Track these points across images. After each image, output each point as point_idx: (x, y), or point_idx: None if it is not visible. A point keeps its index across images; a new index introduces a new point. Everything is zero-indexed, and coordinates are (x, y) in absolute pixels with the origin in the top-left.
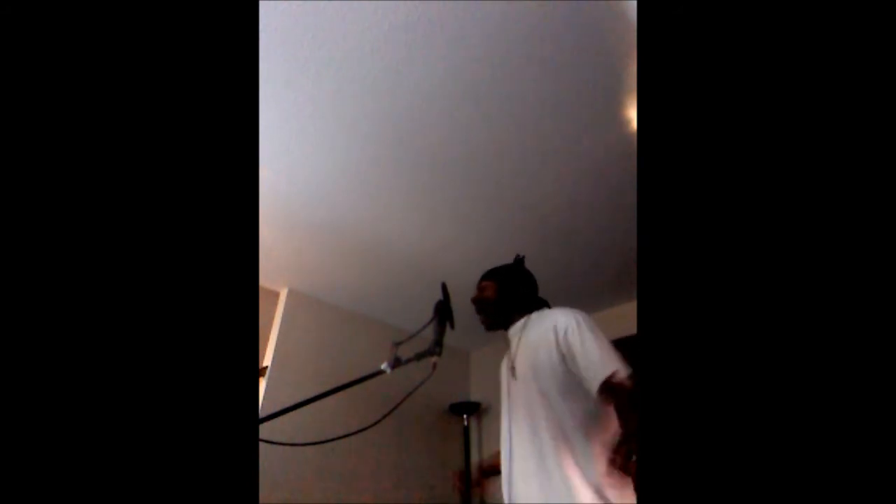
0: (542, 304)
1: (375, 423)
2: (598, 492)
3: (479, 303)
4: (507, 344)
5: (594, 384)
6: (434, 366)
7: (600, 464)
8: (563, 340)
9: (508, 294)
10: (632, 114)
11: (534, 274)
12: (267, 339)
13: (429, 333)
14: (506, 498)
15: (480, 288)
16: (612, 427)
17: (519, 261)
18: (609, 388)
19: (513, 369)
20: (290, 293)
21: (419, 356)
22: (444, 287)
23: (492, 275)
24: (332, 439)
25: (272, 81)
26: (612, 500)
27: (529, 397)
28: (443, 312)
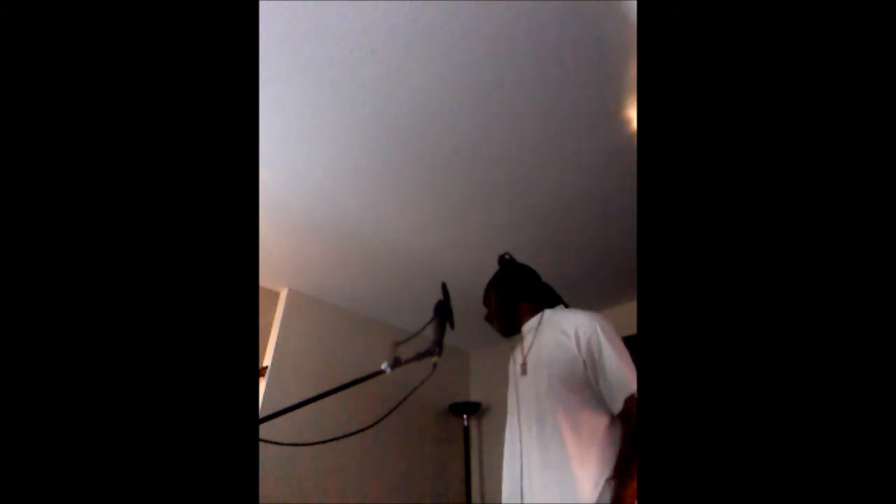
0: (554, 297)
1: (375, 423)
2: (599, 488)
3: (488, 316)
4: (518, 341)
5: (616, 405)
6: (434, 366)
7: (601, 464)
8: (584, 349)
9: (507, 295)
10: (632, 114)
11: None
12: (267, 339)
13: (429, 333)
14: (505, 496)
15: (484, 300)
16: (616, 436)
17: (506, 261)
18: (628, 412)
19: (523, 365)
20: (290, 293)
21: (419, 356)
22: (444, 287)
23: (490, 284)
24: (332, 439)
25: (272, 81)
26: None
27: (540, 395)
28: (443, 312)
